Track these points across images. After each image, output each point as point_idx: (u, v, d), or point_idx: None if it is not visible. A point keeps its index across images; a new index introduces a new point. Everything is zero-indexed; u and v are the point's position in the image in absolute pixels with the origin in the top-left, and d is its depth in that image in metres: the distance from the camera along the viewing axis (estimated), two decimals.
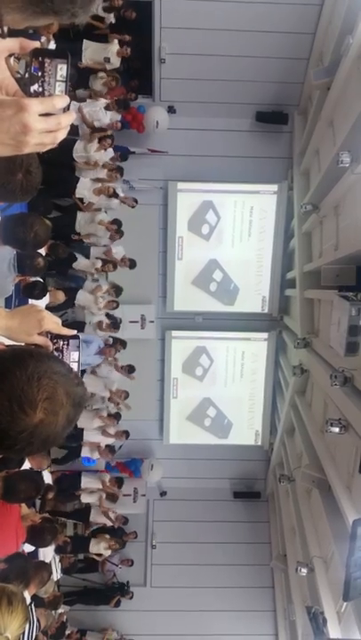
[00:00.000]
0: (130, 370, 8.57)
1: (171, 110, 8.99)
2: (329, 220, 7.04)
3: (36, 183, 2.53)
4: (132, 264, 8.29)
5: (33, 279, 5.00)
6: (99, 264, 7.96)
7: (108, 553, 8.66)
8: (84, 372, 8.00)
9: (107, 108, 7.69)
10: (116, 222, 7.99)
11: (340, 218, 6.55)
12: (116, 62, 7.78)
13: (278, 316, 9.75)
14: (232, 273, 9.62)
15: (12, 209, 3.71)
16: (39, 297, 5.04)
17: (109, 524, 8.58)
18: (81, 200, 7.75)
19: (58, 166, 6.98)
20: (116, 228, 7.96)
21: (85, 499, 8.49)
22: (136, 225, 8.46)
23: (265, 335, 9.81)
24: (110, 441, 8.48)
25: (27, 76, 1.08)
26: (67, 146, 7.46)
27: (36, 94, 1.07)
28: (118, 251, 8.16)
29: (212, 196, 9.38)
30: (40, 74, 1.07)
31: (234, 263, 9.60)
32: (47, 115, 1.05)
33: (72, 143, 7.50)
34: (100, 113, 7.64)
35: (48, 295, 5.87)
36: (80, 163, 7.60)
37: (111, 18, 7.75)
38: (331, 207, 6.78)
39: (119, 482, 8.69)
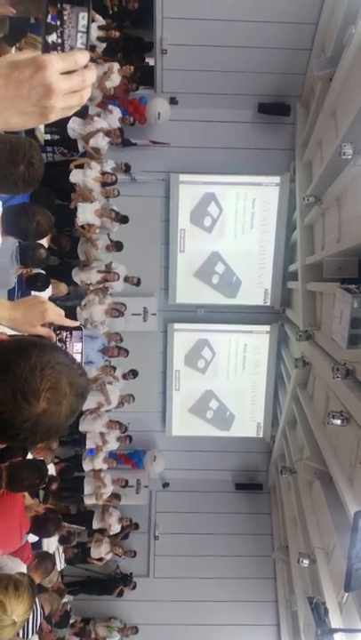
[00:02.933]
0: (134, 374, 8.63)
1: (173, 102, 8.95)
2: (331, 213, 7.02)
3: (39, 175, 2.53)
4: (138, 281, 8.51)
5: (35, 271, 5.00)
6: (99, 277, 7.97)
7: (109, 556, 8.74)
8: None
9: (105, 133, 7.74)
10: (117, 244, 8.09)
11: (343, 210, 6.53)
12: (116, 80, 7.78)
13: (280, 309, 9.75)
14: (234, 265, 9.61)
15: (15, 200, 3.71)
16: (42, 289, 5.04)
17: (112, 532, 8.64)
18: (82, 227, 7.74)
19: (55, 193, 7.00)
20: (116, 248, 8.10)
21: (89, 501, 8.50)
22: (138, 217, 8.46)
23: (267, 328, 9.81)
24: (114, 446, 8.54)
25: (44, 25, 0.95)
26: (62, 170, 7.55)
27: (55, 46, 0.95)
28: (120, 271, 8.23)
29: (214, 188, 9.36)
30: (58, 23, 0.94)
31: (236, 255, 9.58)
32: (69, 73, 0.92)
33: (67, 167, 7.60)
34: (100, 140, 7.67)
35: (51, 287, 5.87)
36: (77, 191, 7.58)
37: (103, 47, 7.78)
38: (333, 199, 6.76)
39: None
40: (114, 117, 7.97)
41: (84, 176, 7.56)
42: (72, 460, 8.42)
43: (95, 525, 8.57)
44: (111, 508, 8.67)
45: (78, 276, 7.85)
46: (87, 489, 8.39)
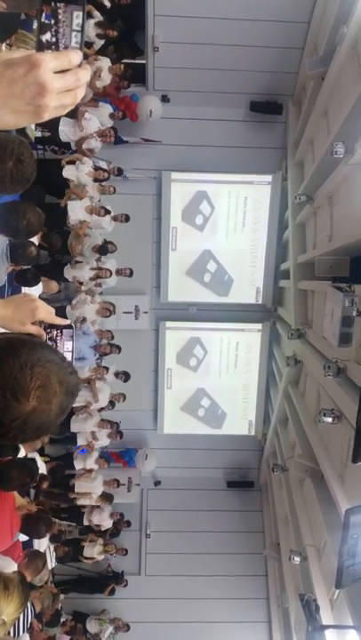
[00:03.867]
0: (125, 376, 8.58)
1: (164, 99, 8.93)
2: (323, 211, 7.03)
3: (28, 174, 2.50)
4: (131, 272, 8.43)
5: (25, 267, 4.97)
6: (91, 274, 7.89)
7: (101, 557, 8.75)
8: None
9: (99, 134, 7.68)
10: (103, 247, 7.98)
11: (335, 209, 6.55)
12: (107, 78, 7.72)
13: (272, 307, 9.77)
14: (226, 264, 9.62)
15: (4, 198, 3.69)
16: (31, 282, 4.98)
17: (104, 527, 8.64)
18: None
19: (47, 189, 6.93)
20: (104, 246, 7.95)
21: (80, 501, 8.47)
22: (130, 215, 8.42)
23: (259, 326, 9.83)
24: (105, 442, 8.52)
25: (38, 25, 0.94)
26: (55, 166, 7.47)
27: (49, 44, 0.94)
28: (111, 265, 8.16)
29: (206, 187, 9.35)
30: (53, 22, 0.93)
31: (228, 254, 9.59)
32: (62, 72, 0.92)
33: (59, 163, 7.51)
34: (92, 141, 7.61)
35: (41, 285, 5.84)
36: (71, 188, 7.51)
37: (100, 44, 7.72)
38: (325, 198, 6.77)
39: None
40: (104, 114, 7.89)
41: (78, 171, 7.49)
42: (63, 459, 8.40)
43: (86, 522, 8.56)
44: (102, 504, 8.65)
45: (70, 273, 7.80)
46: (79, 488, 8.34)
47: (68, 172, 7.47)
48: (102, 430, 8.39)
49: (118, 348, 8.31)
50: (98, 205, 7.73)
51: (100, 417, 8.35)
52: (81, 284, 7.83)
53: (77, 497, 8.33)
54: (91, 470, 8.38)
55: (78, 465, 8.33)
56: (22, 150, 2.36)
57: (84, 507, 8.59)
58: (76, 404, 7.97)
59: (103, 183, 7.88)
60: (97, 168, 7.72)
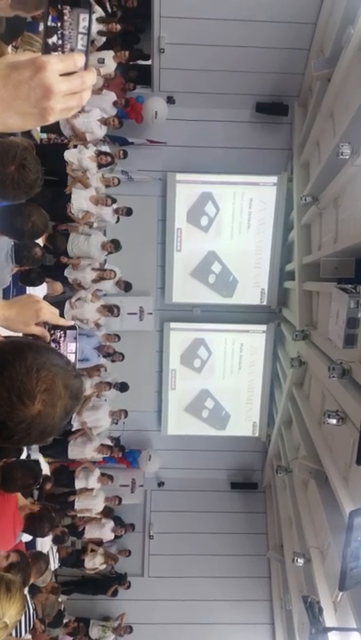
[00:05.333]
0: (122, 388, 8.28)
1: (170, 101, 8.93)
2: (329, 213, 7.02)
3: (31, 180, 2.46)
4: (128, 287, 8.08)
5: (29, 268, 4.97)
6: (94, 275, 7.61)
7: (103, 567, 8.59)
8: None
9: (103, 122, 7.52)
10: (114, 242, 7.72)
11: (340, 210, 6.53)
12: (111, 66, 7.57)
13: (277, 309, 9.76)
14: (231, 265, 9.60)
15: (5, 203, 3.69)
16: (36, 282, 4.99)
17: (105, 539, 8.48)
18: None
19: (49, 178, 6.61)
20: (114, 247, 7.69)
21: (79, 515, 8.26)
22: (135, 216, 8.42)
23: (263, 327, 9.82)
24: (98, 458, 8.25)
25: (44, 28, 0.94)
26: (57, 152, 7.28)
27: (55, 47, 0.94)
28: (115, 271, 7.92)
29: (211, 188, 9.35)
30: (59, 24, 0.94)
31: (233, 255, 9.58)
32: (68, 74, 0.93)
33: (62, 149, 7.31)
34: (94, 125, 7.40)
35: (46, 286, 5.85)
36: (73, 173, 7.27)
37: (102, 41, 7.61)
38: (330, 199, 6.76)
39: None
40: (108, 101, 7.68)
41: (80, 154, 7.25)
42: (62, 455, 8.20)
43: (88, 535, 8.34)
44: (104, 519, 8.44)
45: (72, 275, 7.55)
46: (78, 505, 8.07)
47: (70, 154, 7.22)
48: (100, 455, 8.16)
49: (122, 356, 8.16)
50: (103, 195, 7.49)
51: (99, 441, 8.03)
52: (80, 285, 7.54)
53: (76, 513, 8.12)
54: (92, 489, 8.12)
55: (79, 484, 8.03)
56: (26, 156, 2.34)
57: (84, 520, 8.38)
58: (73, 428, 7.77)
59: (107, 175, 7.69)
60: (100, 153, 7.46)
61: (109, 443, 8.35)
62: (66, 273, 7.55)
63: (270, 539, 9.76)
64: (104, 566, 8.61)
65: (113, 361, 8.20)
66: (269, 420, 10.14)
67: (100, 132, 7.56)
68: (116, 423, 8.43)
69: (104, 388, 7.92)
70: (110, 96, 7.76)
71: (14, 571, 3.48)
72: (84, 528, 8.30)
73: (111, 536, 8.53)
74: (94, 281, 7.68)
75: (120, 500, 8.60)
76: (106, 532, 8.43)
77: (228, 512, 10.07)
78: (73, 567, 8.54)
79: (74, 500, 8.04)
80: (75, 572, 9.05)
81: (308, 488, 7.32)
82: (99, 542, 8.58)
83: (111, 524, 8.54)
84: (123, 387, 8.29)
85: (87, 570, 8.53)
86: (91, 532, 8.37)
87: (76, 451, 7.89)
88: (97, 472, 8.14)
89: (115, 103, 7.81)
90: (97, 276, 7.69)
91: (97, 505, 8.19)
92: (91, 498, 8.16)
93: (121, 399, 8.51)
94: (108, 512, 8.44)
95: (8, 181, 2.26)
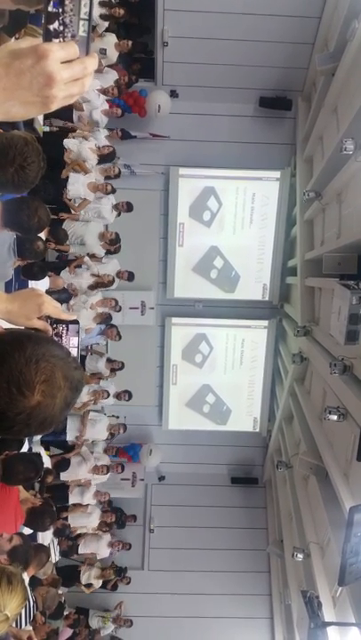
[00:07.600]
0: (129, 396, 8.27)
1: (173, 94, 8.90)
2: (331, 208, 7.00)
3: (32, 178, 2.44)
4: (131, 276, 7.95)
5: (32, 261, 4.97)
6: (91, 281, 7.31)
7: (99, 583, 8.43)
8: (83, 357, 7.98)
9: (102, 91, 7.25)
10: (115, 235, 7.47)
11: (343, 205, 6.51)
12: (113, 56, 7.46)
13: (279, 304, 9.74)
14: (233, 260, 9.59)
15: (9, 195, 3.68)
16: (38, 276, 4.98)
17: (99, 556, 8.32)
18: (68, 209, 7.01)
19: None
20: (114, 239, 7.42)
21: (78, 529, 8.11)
22: (137, 211, 8.41)
23: (265, 323, 9.81)
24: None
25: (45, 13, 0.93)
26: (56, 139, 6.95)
27: (56, 33, 0.93)
28: (113, 265, 7.76)
29: (213, 182, 9.32)
30: (60, 10, 0.93)
31: (235, 250, 9.56)
32: (69, 61, 0.92)
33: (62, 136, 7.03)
34: (92, 93, 7.07)
35: (48, 280, 5.85)
36: (68, 157, 6.90)
37: (104, 26, 7.43)
38: (334, 195, 6.74)
39: (117, 514, 8.57)
40: (109, 80, 7.47)
41: (81, 144, 6.96)
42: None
43: (82, 550, 8.15)
44: (101, 532, 8.29)
45: (68, 279, 7.07)
46: (73, 522, 7.85)
47: (70, 142, 6.94)
48: (99, 444, 8.07)
49: (121, 364, 8.16)
50: (103, 182, 7.16)
51: (95, 461, 7.82)
52: (75, 291, 7.13)
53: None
54: (87, 506, 7.87)
55: (74, 499, 7.71)
56: (25, 155, 2.30)
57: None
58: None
59: (106, 165, 7.38)
60: (100, 147, 7.20)
61: (106, 462, 8.12)
62: (62, 274, 7.13)
63: (270, 534, 9.79)
64: (100, 582, 8.43)
65: (113, 370, 8.15)
66: (270, 416, 10.15)
67: (98, 101, 7.28)
68: (117, 434, 8.40)
69: (102, 396, 7.78)
70: (111, 74, 7.53)
71: (15, 557, 3.49)
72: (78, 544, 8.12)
73: (107, 553, 8.34)
74: (91, 287, 7.35)
75: (116, 518, 8.51)
76: (102, 546, 8.23)
77: (229, 507, 10.10)
78: (68, 586, 8.18)
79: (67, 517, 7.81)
80: (75, 565, 9.08)
81: (309, 484, 7.33)
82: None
83: (108, 537, 8.37)
84: (129, 395, 8.28)
85: (82, 585, 8.32)
86: (86, 547, 8.16)
87: (69, 472, 7.63)
88: (93, 488, 7.92)
89: (117, 82, 7.58)
90: (94, 282, 7.38)
91: (91, 522, 8.02)
92: (85, 516, 7.94)
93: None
94: (106, 525, 8.28)
95: (9, 183, 2.25)
